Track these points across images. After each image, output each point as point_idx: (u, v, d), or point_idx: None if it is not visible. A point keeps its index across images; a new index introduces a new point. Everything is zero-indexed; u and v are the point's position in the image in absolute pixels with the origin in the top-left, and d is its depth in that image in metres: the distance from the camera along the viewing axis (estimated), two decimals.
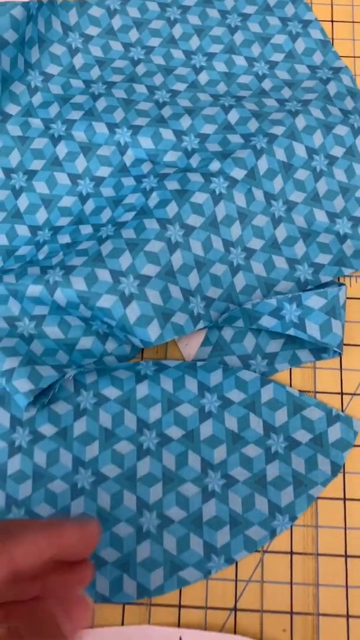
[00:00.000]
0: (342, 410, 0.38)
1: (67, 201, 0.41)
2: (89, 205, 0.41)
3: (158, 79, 0.44)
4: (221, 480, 0.36)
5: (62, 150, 0.42)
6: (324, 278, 0.39)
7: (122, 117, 0.42)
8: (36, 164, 0.41)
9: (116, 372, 0.37)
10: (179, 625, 0.34)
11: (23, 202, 0.41)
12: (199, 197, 0.39)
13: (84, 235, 0.39)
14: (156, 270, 0.37)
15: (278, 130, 0.41)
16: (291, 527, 0.36)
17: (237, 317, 0.38)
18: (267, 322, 0.38)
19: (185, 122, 0.42)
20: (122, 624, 0.34)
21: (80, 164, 0.42)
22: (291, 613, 0.35)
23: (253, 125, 0.42)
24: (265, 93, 0.44)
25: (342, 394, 0.38)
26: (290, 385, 0.38)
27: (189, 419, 0.37)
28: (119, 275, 0.37)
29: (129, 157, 0.42)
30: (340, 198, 0.41)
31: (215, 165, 0.40)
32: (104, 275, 0.36)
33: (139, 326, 0.36)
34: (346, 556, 0.35)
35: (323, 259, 0.40)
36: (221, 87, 0.44)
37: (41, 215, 0.41)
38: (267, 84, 0.44)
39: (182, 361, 0.38)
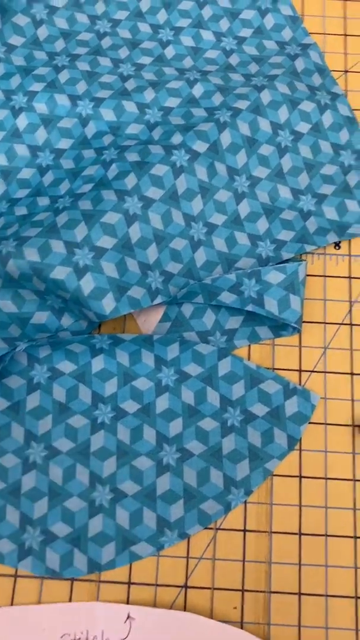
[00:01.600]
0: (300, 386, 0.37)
1: (26, 173, 0.40)
2: (48, 177, 0.40)
3: (123, 52, 0.43)
4: (176, 454, 0.35)
5: (22, 122, 0.41)
6: (286, 255, 0.39)
7: (85, 90, 0.41)
8: None
9: (71, 346, 0.37)
10: (128, 603, 0.34)
11: None
12: (159, 169, 0.39)
13: (41, 207, 0.39)
14: (112, 243, 0.36)
15: (242, 104, 0.41)
16: (245, 504, 0.35)
17: (196, 292, 0.37)
18: (226, 297, 0.37)
19: (149, 95, 0.42)
20: (70, 601, 0.34)
21: (41, 135, 0.41)
22: (242, 590, 0.34)
23: (217, 99, 0.41)
24: (231, 68, 0.43)
25: (300, 371, 0.38)
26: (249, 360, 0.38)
27: (145, 393, 0.36)
28: (74, 246, 0.36)
29: (90, 130, 0.41)
30: (304, 174, 0.41)
31: (177, 138, 0.40)
32: (57, 246, 0.36)
33: (93, 299, 0.35)
34: (300, 534, 0.35)
35: (285, 235, 0.39)
36: (187, 62, 0.44)
37: None
38: (234, 59, 0.44)
39: (138, 334, 0.37)
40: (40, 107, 0.41)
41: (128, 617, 0.33)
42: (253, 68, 0.43)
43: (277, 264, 0.39)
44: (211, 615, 0.33)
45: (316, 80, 0.43)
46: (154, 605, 0.34)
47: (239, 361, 0.37)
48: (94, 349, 0.37)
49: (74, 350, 0.37)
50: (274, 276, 0.37)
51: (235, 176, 0.40)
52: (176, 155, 0.39)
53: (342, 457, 0.36)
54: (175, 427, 0.36)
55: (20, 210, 0.39)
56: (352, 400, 0.37)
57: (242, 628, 0.33)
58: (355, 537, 0.35)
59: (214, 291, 0.37)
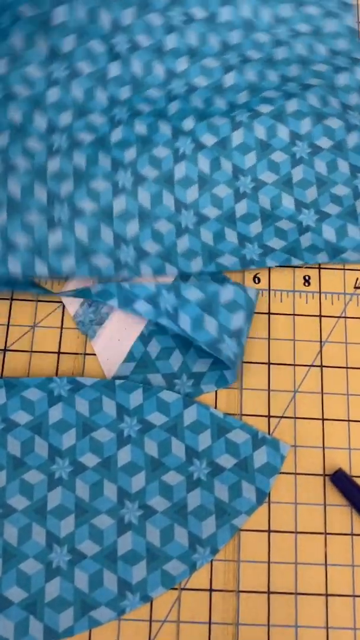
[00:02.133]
0: (270, 434, 0.35)
1: (32, 70, 0.39)
2: (54, 94, 0.39)
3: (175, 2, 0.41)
4: (138, 511, 0.33)
5: None
6: (270, 262, 0.37)
7: (130, 22, 0.40)
8: None
9: (27, 392, 0.34)
10: None
11: None
12: (161, 152, 0.38)
13: (36, 129, 0.38)
14: (92, 208, 0.37)
15: (265, 108, 0.40)
16: (211, 561, 0.33)
17: (112, 294, 0.36)
18: (140, 306, 0.35)
19: (182, 64, 0.40)
20: None
21: (69, 42, 0.39)
22: None
23: (243, 97, 0.40)
24: (273, 63, 0.41)
25: (269, 416, 0.36)
26: (216, 407, 0.36)
27: (105, 445, 0.34)
28: (55, 199, 0.36)
29: (114, 68, 0.39)
30: (313, 189, 0.39)
31: (188, 124, 0.39)
32: (41, 194, 0.36)
33: (55, 254, 0.35)
34: (269, 593, 0.33)
35: (276, 243, 0.38)
36: (235, 35, 0.41)
37: None
38: (281, 53, 0.41)
39: (99, 379, 0.35)
40: None
41: None
42: (293, 70, 0.41)
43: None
44: None
45: (353, 99, 0.41)
46: None
47: (205, 409, 0.35)
48: (51, 396, 0.34)
49: (30, 398, 0.34)
50: (193, 293, 0.35)
51: (240, 175, 0.39)
52: (181, 142, 0.39)
53: (313, 509, 0.34)
54: (137, 481, 0.34)
55: (16, 115, 0.37)
56: (323, 447, 0.35)
57: None
58: (327, 595, 0.33)
59: (129, 297, 0.36)
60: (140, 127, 0.39)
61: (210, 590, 0.33)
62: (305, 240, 0.38)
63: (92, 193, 0.37)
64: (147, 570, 0.33)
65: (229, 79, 0.40)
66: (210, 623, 0.33)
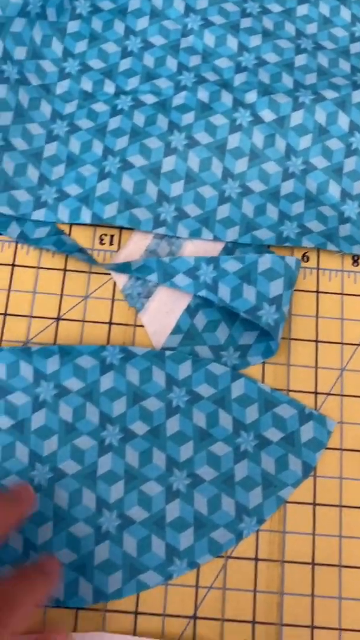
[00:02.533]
0: (316, 410, 0.36)
1: (111, 47, 0.41)
2: (125, 64, 0.40)
3: None
4: (187, 480, 0.34)
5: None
6: (306, 243, 0.37)
7: (206, 5, 0.42)
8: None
9: (80, 360, 0.35)
10: (134, 633, 0.32)
11: None
12: (218, 120, 0.39)
13: (103, 94, 0.40)
14: (142, 163, 0.38)
15: (330, 94, 0.40)
16: (257, 532, 0.34)
17: (151, 269, 0.37)
18: (180, 280, 0.36)
19: (255, 41, 0.41)
20: (75, 630, 0.32)
21: (142, 23, 0.41)
22: (253, 622, 0.33)
23: (310, 79, 0.40)
24: (348, 54, 0.42)
25: (316, 393, 0.36)
26: (263, 383, 0.36)
27: (155, 414, 0.35)
28: (109, 153, 0.38)
29: (186, 41, 0.41)
30: None
31: (251, 97, 0.39)
32: (97, 147, 0.38)
33: (100, 201, 0.37)
34: (313, 564, 0.34)
35: (315, 226, 0.38)
36: (311, 28, 0.42)
37: None
38: (354, 48, 0.42)
39: (150, 349, 0.35)
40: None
41: None
42: None
43: (295, 244, 0.38)
44: None
45: None
46: (162, 636, 0.32)
47: (252, 384, 0.35)
48: (103, 364, 0.35)
49: (83, 365, 0.35)
50: (232, 265, 0.35)
51: (292, 156, 0.39)
52: (240, 113, 0.39)
53: (357, 484, 0.35)
54: (186, 451, 0.34)
55: (86, 85, 0.40)
56: None
57: None
58: None
59: (169, 271, 0.36)
60: (203, 94, 0.39)
61: (256, 559, 0.34)
62: (344, 230, 0.38)
63: (145, 150, 0.38)
64: (195, 537, 0.33)
65: (300, 60, 0.41)
66: (255, 591, 0.33)
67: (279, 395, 0.35)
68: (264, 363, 0.37)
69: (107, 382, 0.35)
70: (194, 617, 0.33)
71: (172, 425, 0.35)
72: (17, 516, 0.30)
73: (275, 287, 0.35)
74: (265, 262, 0.35)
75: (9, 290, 0.37)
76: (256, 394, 0.35)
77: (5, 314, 0.36)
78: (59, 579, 0.29)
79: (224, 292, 0.35)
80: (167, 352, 0.36)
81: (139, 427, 0.35)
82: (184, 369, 0.35)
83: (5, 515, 0.29)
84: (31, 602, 0.27)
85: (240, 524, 0.34)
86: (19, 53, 0.39)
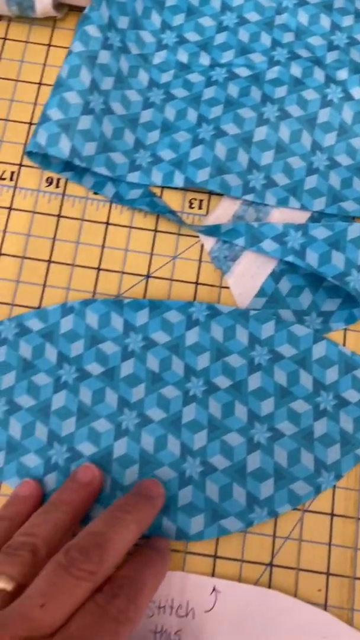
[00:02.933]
0: None
1: (207, 21, 0.42)
2: (220, 37, 0.42)
3: None
4: (267, 433, 0.35)
5: None
6: None
7: None
8: None
9: (168, 315, 0.36)
10: (213, 576, 0.34)
11: None
12: (310, 94, 0.40)
13: (199, 65, 0.41)
14: (235, 132, 0.39)
15: None
16: (334, 488, 0.35)
17: (240, 233, 0.38)
18: (268, 245, 0.37)
19: (348, 21, 0.42)
20: None
21: None
22: (327, 574, 0.34)
23: None
24: None
25: None
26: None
27: (237, 370, 0.36)
28: (203, 121, 0.39)
29: (281, 19, 0.42)
30: None
31: (342, 74, 0.41)
32: (192, 115, 0.40)
33: (193, 166, 0.39)
34: None
35: None
36: None
37: None
38: None
39: (235, 308, 0.37)
40: None
41: (214, 589, 0.33)
42: None
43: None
44: (295, 596, 0.33)
45: None
46: (239, 580, 0.34)
47: (333, 346, 0.36)
48: (190, 320, 0.36)
49: (170, 320, 0.36)
50: (320, 232, 0.37)
51: None
52: (331, 90, 0.40)
53: None
54: (267, 406, 0.36)
55: (182, 56, 0.41)
56: None
57: (325, 611, 0.33)
58: None
59: (257, 236, 0.37)
60: (296, 70, 0.41)
61: (332, 514, 0.35)
62: None
63: (238, 119, 0.39)
64: (275, 488, 0.34)
65: None
66: (330, 545, 0.34)
67: (359, 358, 0.36)
68: (345, 329, 0.38)
69: (192, 336, 0.36)
70: (271, 565, 0.34)
71: (254, 381, 0.36)
72: (92, 497, 0.32)
73: None
74: (354, 230, 0.36)
75: (103, 246, 0.39)
76: (337, 357, 0.36)
77: (98, 269, 0.38)
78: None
79: (312, 258, 0.36)
80: (252, 312, 0.37)
81: (222, 381, 0.36)
82: (267, 329, 0.37)
83: (84, 498, 0.31)
84: (156, 584, 0.29)
85: (319, 478, 0.35)
86: (122, 22, 0.41)
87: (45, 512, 0.30)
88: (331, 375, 0.36)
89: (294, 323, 0.37)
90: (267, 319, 0.37)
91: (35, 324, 0.36)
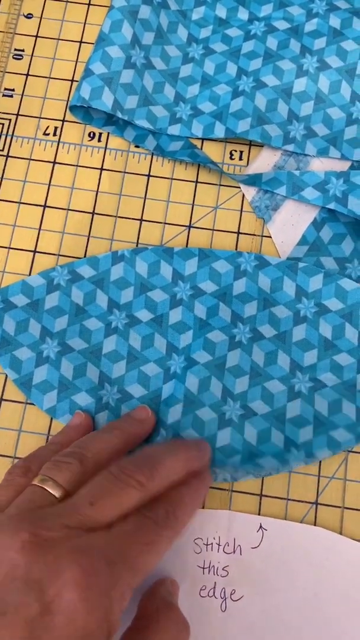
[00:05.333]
0: None
1: None
2: None
3: None
4: (309, 383, 0.35)
5: None
6: None
7: None
8: None
9: (216, 264, 0.37)
10: (259, 514, 0.34)
11: None
12: (350, 45, 0.41)
13: (237, 20, 0.42)
14: (274, 83, 0.40)
15: None
16: None
17: (282, 182, 0.38)
18: (309, 193, 0.38)
19: None
20: (203, 508, 0.34)
21: None
22: None
23: None
24: None
25: None
26: None
27: (282, 321, 0.36)
28: (243, 73, 0.40)
29: None
30: None
31: None
32: (231, 69, 0.41)
33: (233, 117, 0.39)
34: None
35: None
36: None
37: None
38: None
39: (284, 260, 0.37)
40: None
41: (260, 527, 0.34)
42: None
43: None
44: (341, 533, 0.34)
45: None
46: (285, 518, 0.34)
47: None
48: (238, 270, 0.37)
49: (219, 270, 0.37)
50: None
51: None
52: None
53: None
54: (310, 357, 0.36)
55: (221, 11, 0.42)
56: None
57: None
58: None
59: (299, 184, 0.38)
60: (335, 21, 0.41)
61: None
62: None
63: (277, 71, 0.40)
64: (314, 434, 0.35)
65: None
66: None
67: None
68: None
69: (239, 286, 0.37)
70: (316, 503, 0.34)
71: (299, 332, 0.36)
72: (143, 433, 0.33)
73: None
74: None
75: (145, 198, 0.39)
76: None
77: (141, 220, 0.39)
78: (209, 453, 0.33)
79: (355, 205, 0.37)
80: (300, 264, 0.37)
81: (267, 330, 0.36)
82: (315, 282, 0.37)
83: (135, 431, 0.32)
84: (195, 499, 0.30)
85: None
86: None
87: (96, 433, 0.32)
88: None
89: (343, 277, 0.37)
90: (315, 272, 0.37)
91: (86, 271, 0.37)
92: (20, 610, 0.21)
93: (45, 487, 0.27)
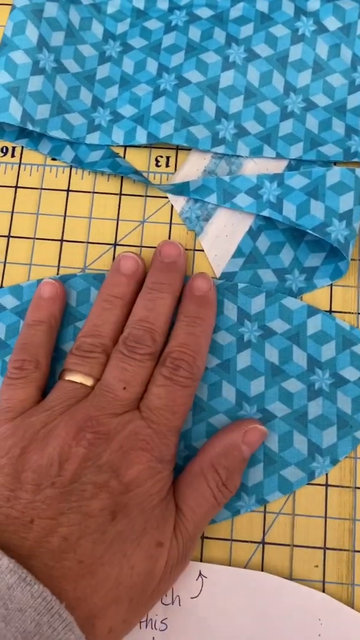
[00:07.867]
0: None
1: None
2: None
3: None
4: (257, 415, 0.33)
5: None
6: None
7: None
8: None
9: None
10: (201, 560, 0.32)
11: None
12: (279, 30, 0.37)
13: (157, 10, 0.38)
14: (199, 79, 0.36)
15: None
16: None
17: (211, 189, 0.35)
18: (242, 200, 0.35)
19: None
20: None
21: None
22: (324, 548, 0.31)
23: None
24: None
25: None
26: (331, 307, 0.34)
27: (225, 348, 0.33)
28: (163, 70, 0.36)
29: None
30: None
31: (313, 4, 0.37)
32: (151, 66, 0.37)
33: (155, 120, 0.36)
34: None
35: None
36: None
37: None
38: None
39: (224, 281, 0.34)
40: None
41: (200, 575, 0.31)
42: None
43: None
44: (291, 574, 0.31)
45: None
46: (229, 562, 0.31)
47: (330, 320, 0.33)
48: None
49: None
50: (297, 180, 0.34)
51: (358, 66, 0.37)
52: (302, 22, 0.37)
53: None
54: (256, 386, 0.33)
55: (138, 2, 0.38)
56: None
57: (324, 587, 0.31)
58: None
59: (229, 191, 0.35)
60: (262, 4, 0.37)
61: (327, 485, 0.32)
62: None
63: (202, 65, 0.36)
64: (264, 474, 0.32)
65: None
66: (325, 517, 0.32)
67: (359, 332, 0.33)
68: (331, 285, 0.35)
69: None
70: (263, 543, 0.32)
71: (243, 359, 0.33)
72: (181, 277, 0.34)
73: (345, 202, 0.33)
74: (333, 175, 0.33)
75: (65, 216, 0.36)
76: (334, 331, 0.33)
77: (61, 240, 0.36)
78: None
79: (290, 210, 0.33)
80: (240, 285, 0.34)
81: (210, 360, 0.33)
82: (257, 303, 0.34)
83: (176, 281, 0.33)
84: (209, 334, 0.33)
85: (313, 463, 0.32)
86: None
87: (102, 310, 0.32)
88: (327, 352, 0.33)
89: (285, 296, 0.34)
90: (256, 292, 0.34)
91: (8, 301, 0.34)
92: (102, 486, 0.27)
93: (78, 381, 0.30)
